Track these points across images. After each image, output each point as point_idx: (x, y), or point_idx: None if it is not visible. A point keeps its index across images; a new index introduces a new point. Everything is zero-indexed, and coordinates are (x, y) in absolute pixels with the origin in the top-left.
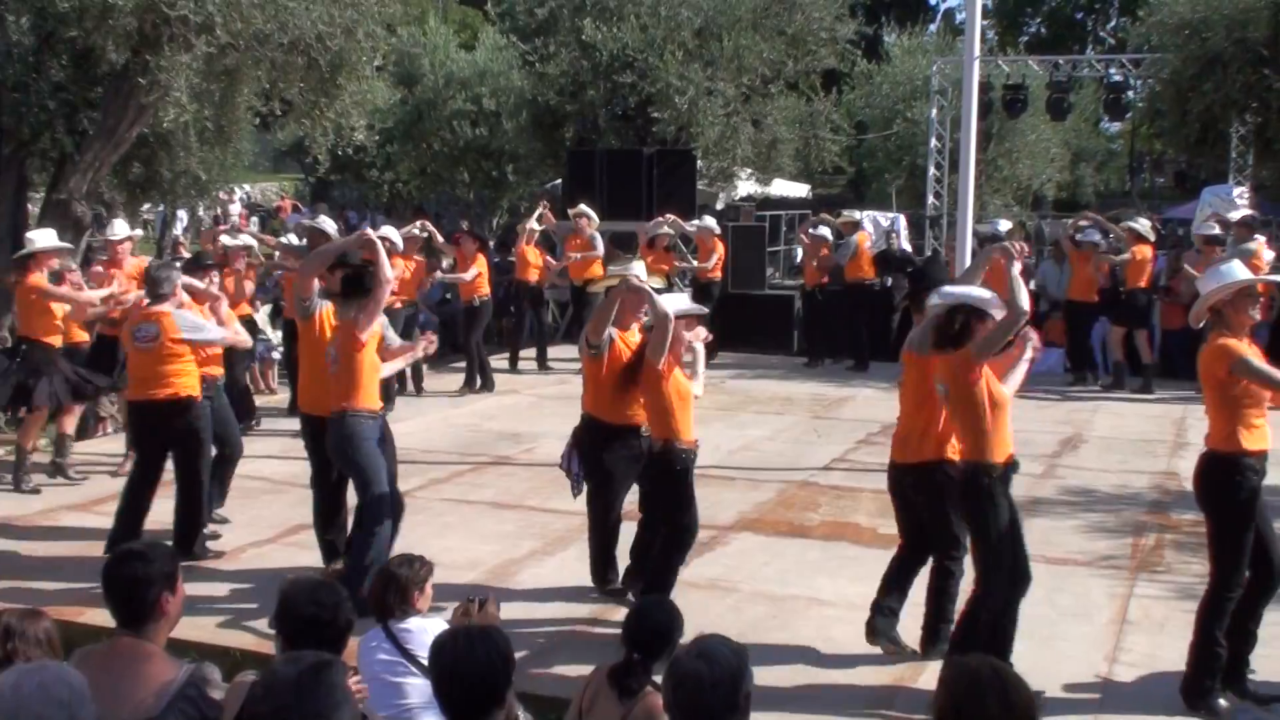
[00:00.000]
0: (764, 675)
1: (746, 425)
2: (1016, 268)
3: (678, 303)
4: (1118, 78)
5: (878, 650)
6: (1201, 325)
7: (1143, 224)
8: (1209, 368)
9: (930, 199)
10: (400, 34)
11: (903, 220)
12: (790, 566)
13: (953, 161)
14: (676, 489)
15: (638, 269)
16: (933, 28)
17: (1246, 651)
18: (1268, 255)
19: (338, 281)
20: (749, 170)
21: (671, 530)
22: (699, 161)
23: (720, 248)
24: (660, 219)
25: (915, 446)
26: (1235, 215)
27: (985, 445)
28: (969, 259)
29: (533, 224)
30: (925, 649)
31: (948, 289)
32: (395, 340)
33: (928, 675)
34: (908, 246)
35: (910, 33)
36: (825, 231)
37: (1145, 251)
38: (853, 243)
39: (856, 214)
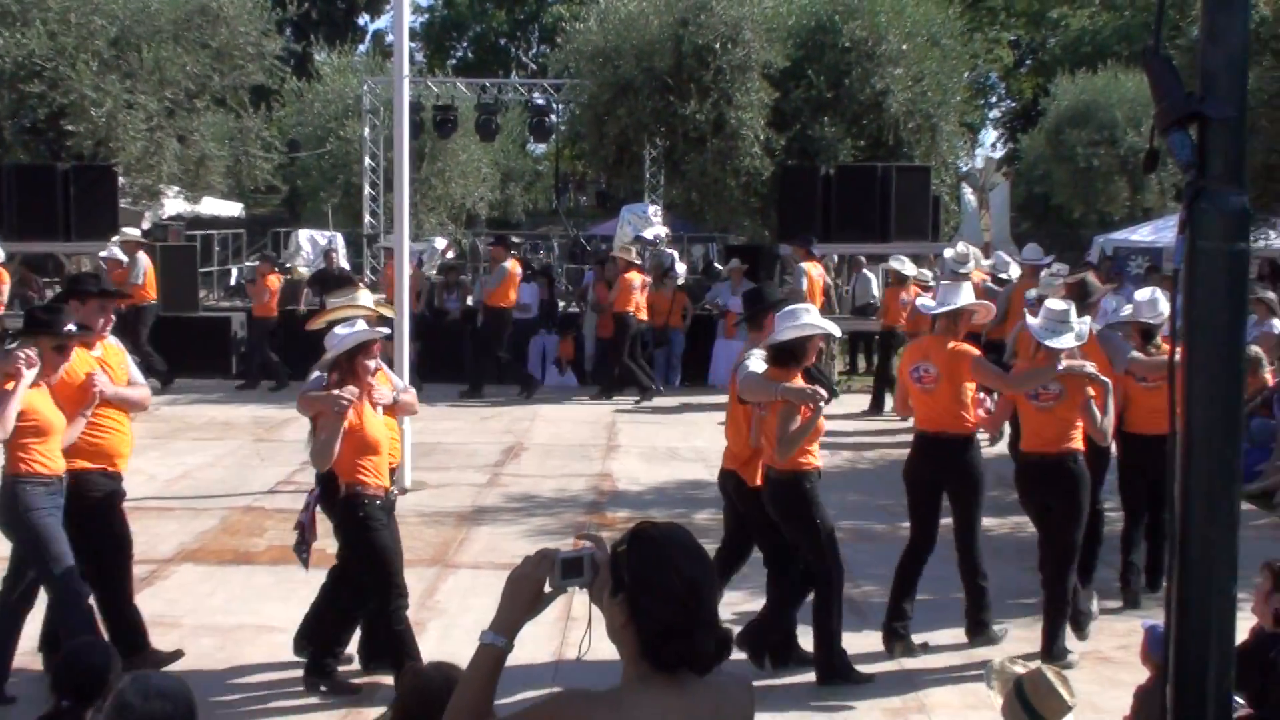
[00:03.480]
0: (212, 710)
1: (183, 453)
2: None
3: (353, 331)
4: (541, 101)
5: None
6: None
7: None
8: (953, 365)
9: (367, 217)
10: None
11: (340, 239)
12: (237, 594)
13: (388, 180)
14: (356, 538)
15: (364, 299)
16: (363, 48)
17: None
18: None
19: None
20: (176, 188)
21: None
22: (121, 178)
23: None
24: None
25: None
26: (649, 232)
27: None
28: (407, 277)
29: None
30: None
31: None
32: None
33: (386, 693)
34: (346, 265)
35: (340, 51)
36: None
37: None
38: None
39: (133, 231)
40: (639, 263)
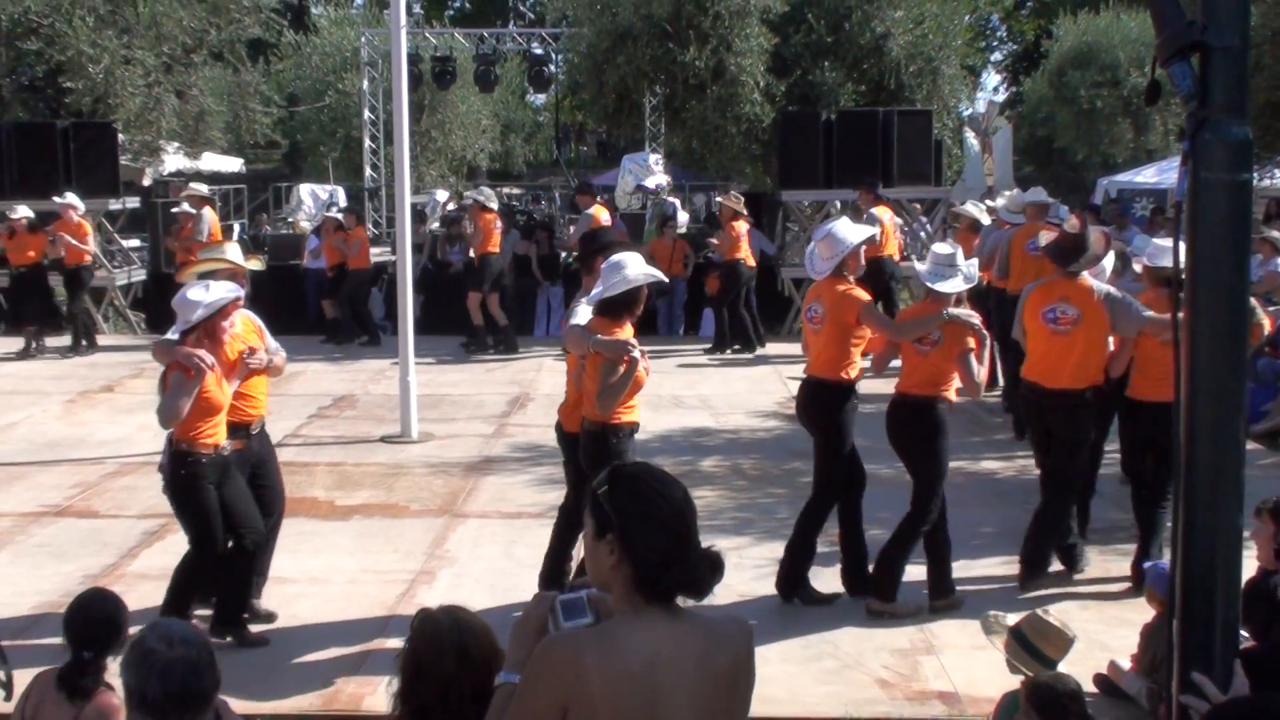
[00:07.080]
0: (233, 659)
1: None
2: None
3: (217, 293)
4: (539, 51)
5: (342, 618)
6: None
7: (486, 193)
8: (838, 308)
9: (368, 171)
10: None
11: (341, 193)
12: None
13: (387, 133)
14: (176, 494)
15: (231, 253)
16: (359, 0)
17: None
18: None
19: None
20: (176, 144)
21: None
22: (120, 135)
23: None
24: None
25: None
26: (651, 181)
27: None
28: (409, 230)
29: None
30: None
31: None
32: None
33: (396, 640)
34: None
35: (337, 4)
36: None
37: (488, 220)
38: None
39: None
40: (743, 210)
